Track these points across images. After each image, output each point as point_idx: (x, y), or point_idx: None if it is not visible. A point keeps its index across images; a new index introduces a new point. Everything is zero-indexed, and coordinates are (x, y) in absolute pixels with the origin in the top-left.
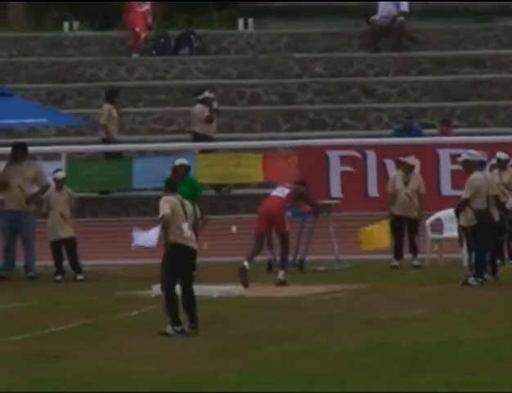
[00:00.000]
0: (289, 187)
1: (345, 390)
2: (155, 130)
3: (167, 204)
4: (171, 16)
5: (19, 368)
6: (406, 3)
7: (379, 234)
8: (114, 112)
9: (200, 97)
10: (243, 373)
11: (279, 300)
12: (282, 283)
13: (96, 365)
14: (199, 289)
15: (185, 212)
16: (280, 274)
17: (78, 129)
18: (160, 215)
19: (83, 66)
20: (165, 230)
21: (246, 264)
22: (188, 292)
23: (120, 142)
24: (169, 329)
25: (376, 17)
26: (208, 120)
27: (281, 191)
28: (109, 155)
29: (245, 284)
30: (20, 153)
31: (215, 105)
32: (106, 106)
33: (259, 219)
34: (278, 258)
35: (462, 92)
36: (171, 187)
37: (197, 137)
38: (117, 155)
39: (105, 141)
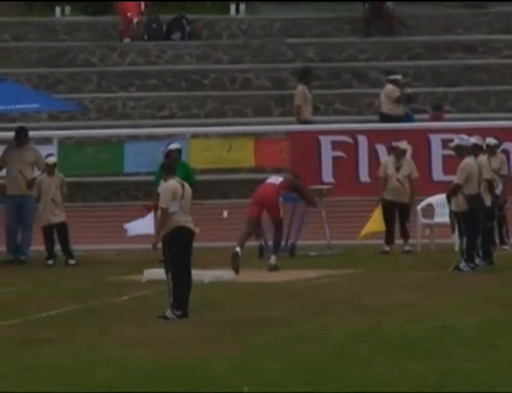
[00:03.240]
0: (283, 176)
1: (337, 377)
2: (147, 115)
3: (169, 193)
4: (163, 1)
5: (10, 354)
6: None
7: (373, 220)
8: (308, 93)
9: (392, 78)
10: (235, 359)
11: (271, 286)
12: (274, 268)
13: (88, 350)
14: None
15: (184, 195)
16: (273, 259)
17: (70, 114)
18: (160, 206)
19: (75, 51)
20: (165, 219)
21: (238, 249)
22: (187, 275)
23: (311, 122)
24: (169, 313)
25: None
26: (399, 101)
27: (275, 179)
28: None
29: (236, 270)
30: (22, 138)
31: (408, 90)
32: (300, 87)
33: (252, 205)
34: (270, 243)
35: (454, 77)
36: (170, 170)
37: (384, 118)
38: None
39: (299, 121)
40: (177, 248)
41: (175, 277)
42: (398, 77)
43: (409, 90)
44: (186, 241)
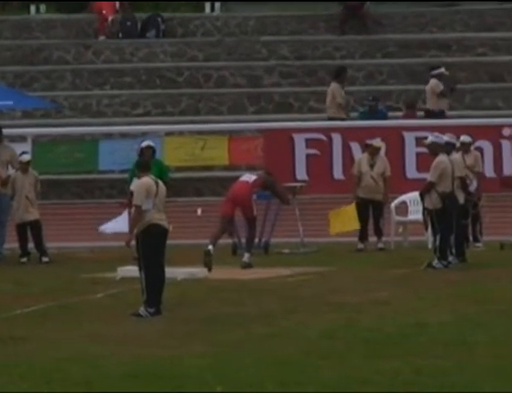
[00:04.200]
0: (257, 175)
1: (311, 375)
2: (121, 113)
3: (143, 190)
4: (137, 0)
5: None
6: None
7: (348, 217)
8: (341, 91)
9: (435, 72)
10: (209, 357)
11: (244, 283)
12: (248, 266)
13: (63, 348)
14: None
15: (158, 192)
16: (246, 257)
17: (45, 112)
18: (134, 203)
19: (50, 49)
20: (139, 217)
21: (211, 247)
22: (160, 273)
23: (340, 119)
24: (142, 310)
25: None
26: (442, 95)
27: (248, 177)
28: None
29: (209, 267)
30: None
31: (452, 84)
32: (333, 85)
33: (226, 203)
34: (243, 241)
35: (428, 75)
36: (144, 167)
37: (429, 114)
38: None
39: (331, 118)
40: (150, 246)
41: (148, 274)
42: (442, 71)
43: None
44: (159, 239)
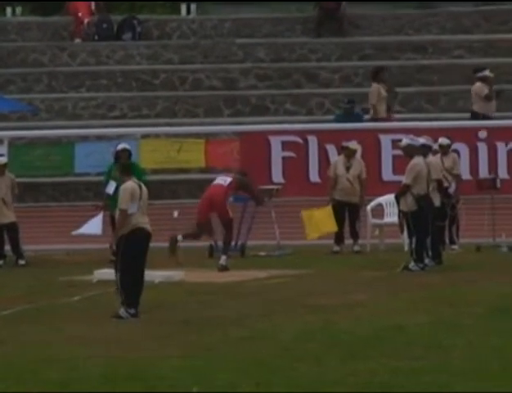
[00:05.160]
0: (231, 177)
1: (287, 376)
2: (97, 115)
3: (128, 194)
4: (113, 1)
5: None
6: None
7: (324, 220)
8: (383, 91)
9: (480, 75)
10: (185, 359)
11: (221, 286)
12: (224, 269)
13: (39, 350)
14: None
15: (141, 195)
16: (223, 260)
17: (21, 114)
18: (120, 207)
19: (26, 51)
20: (124, 220)
21: (180, 237)
22: (140, 276)
23: (385, 120)
24: (122, 312)
25: None
26: (487, 98)
27: (223, 180)
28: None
29: (173, 253)
30: None
31: (496, 86)
32: (374, 86)
33: (201, 206)
34: (220, 243)
35: (404, 77)
36: (127, 170)
37: (475, 116)
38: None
39: (374, 120)
40: (134, 248)
41: (125, 276)
42: (486, 73)
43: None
44: (143, 242)
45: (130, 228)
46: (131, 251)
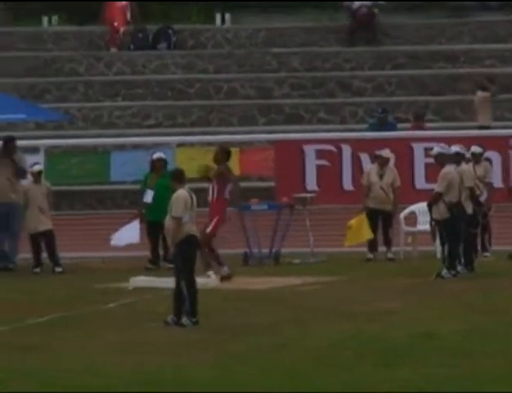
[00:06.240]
0: None
1: (320, 384)
2: (133, 124)
3: (182, 202)
4: (148, 11)
5: None
6: None
7: (361, 228)
8: (487, 99)
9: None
10: (218, 366)
11: (255, 293)
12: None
13: (74, 357)
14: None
15: (192, 205)
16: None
17: (57, 123)
18: (174, 215)
19: (62, 61)
20: (178, 228)
21: (226, 269)
22: (194, 283)
23: (490, 128)
24: (185, 320)
25: (354, 5)
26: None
27: None
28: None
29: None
30: (10, 146)
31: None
32: (479, 93)
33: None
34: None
35: (436, 86)
36: (180, 178)
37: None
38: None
39: (482, 127)
40: (189, 255)
41: (188, 284)
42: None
43: None
44: (196, 250)
45: (184, 235)
46: (188, 258)
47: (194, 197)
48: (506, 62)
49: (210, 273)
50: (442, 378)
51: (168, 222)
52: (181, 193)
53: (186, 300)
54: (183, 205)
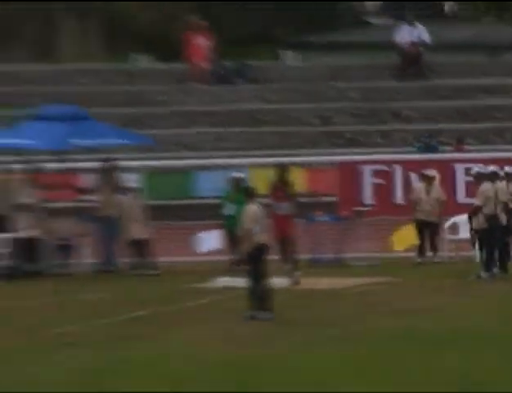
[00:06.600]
0: None
1: (375, 375)
2: (215, 147)
3: (252, 215)
4: (226, 50)
5: (109, 348)
6: (427, 35)
7: (408, 235)
8: None
9: None
10: (286, 356)
11: (319, 292)
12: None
13: (169, 346)
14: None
15: (261, 217)
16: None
17: (150, 147)
18: (246, 227)
19: (152, 94)
20: (249, 238)
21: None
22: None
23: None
24: (262, 315)
25: (402, 42)
26: None
27: None
28: None
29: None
30: (111, 167)
31: None
32: None
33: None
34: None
35: (475, 115)
36: (251, 194)
37: None
38: None
39: None
40: (261, 260)
41: (261, 284)
42: None
43: None
44: (264, 256)
45: (255, 243)
46: (259, 263)
47: (262, 210)
48: None
49: (297, 273)
50: (489, 367)
51: (240, 232)
52: (252, 208)
53: (261, 298)
54: (254, 218)
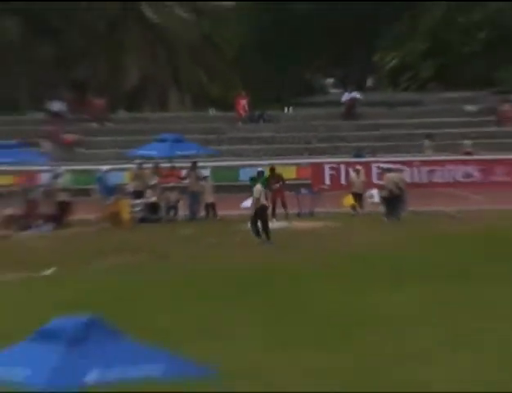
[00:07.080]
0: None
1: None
2: (252, 156)
3: (259, 191)
4: (255, 105)
5: (195, 259)
6: (359, 96)
7: (349, 200)
8: None
9: None
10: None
11: (301, 229)
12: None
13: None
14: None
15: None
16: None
17: (216, 155)
18: (255, 196)
19: (220, 129)
20: (256, 201)
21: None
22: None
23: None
24: (268, 242)
25: (345, 100)
26: None
27: None
28: None
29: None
30: (195, 165)
31: None
32: None
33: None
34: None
35: (382, 139)
36: (257, 179)
37: None
38: None
39: None
40: (263, 213)
41: (265, 225)
42: None
43: None
44: (266, 211)
45: (259, 205)
46: (263, 216)
47: (264, 188)
48: None
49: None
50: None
51: (253, 199)
52: (258, 186)
53: (263, 232)
54: (259, 192)
